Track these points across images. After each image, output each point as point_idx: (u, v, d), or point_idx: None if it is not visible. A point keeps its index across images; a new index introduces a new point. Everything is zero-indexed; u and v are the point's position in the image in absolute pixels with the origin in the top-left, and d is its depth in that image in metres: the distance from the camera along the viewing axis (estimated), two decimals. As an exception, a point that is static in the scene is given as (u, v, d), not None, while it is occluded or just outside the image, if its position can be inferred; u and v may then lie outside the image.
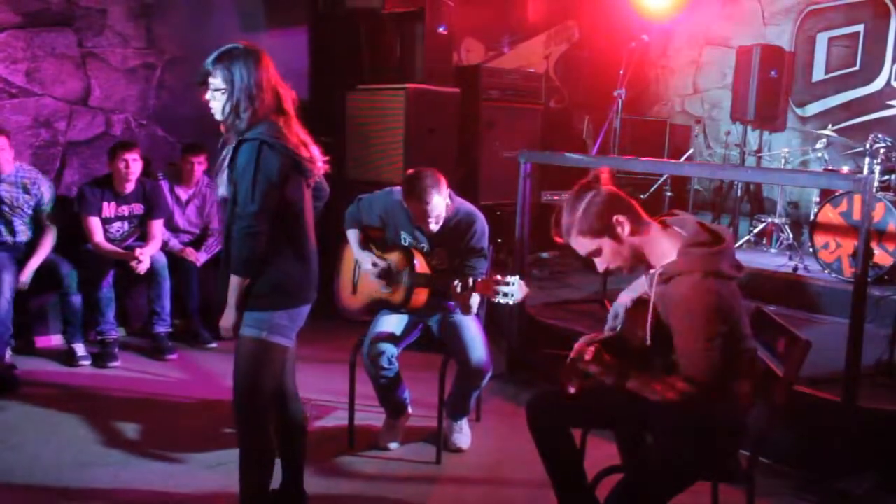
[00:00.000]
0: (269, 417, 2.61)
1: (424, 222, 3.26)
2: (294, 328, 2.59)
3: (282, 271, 2.49)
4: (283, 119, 2.48)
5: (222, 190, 2.51)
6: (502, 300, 2.98)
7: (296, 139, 2.47)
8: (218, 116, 2.48)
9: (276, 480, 2.76)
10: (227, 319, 2.51)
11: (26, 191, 4.46)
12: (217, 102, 2.46)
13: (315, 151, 2.55)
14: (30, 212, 4.50)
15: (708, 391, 2.07)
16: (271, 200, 2.40)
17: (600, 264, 2.28)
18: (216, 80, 2.43)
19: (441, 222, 3.29)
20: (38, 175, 4.53)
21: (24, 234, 4.51)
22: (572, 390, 2.25)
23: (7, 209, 4.43)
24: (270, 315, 2.49)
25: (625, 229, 2.21)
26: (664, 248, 2.22)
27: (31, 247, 4.48)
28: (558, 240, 2.30)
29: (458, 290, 3.07)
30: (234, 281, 2.46)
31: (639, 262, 2.28)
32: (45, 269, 4.43)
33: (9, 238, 4.47)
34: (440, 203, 3.22)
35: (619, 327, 2.39)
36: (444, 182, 3.24)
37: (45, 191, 4.52)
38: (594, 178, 2.27)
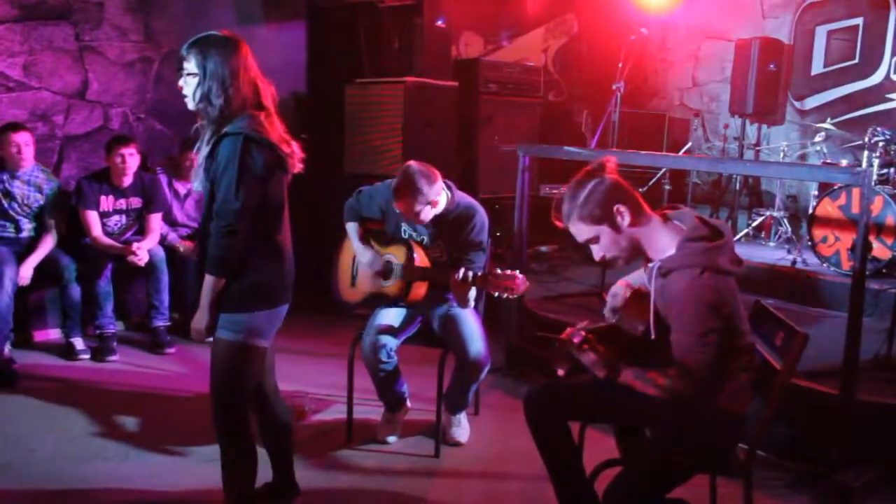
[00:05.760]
0: (249, 416, 2.55)
1: (412, 218, 3.24)
2: (273, 329, 2.52)
3: (261, 271, 2.41)
4: (264, 114, 2.40)
5: (197, 184, 2.42)
6: (503, 294, 2.98)
7: (277, 135, 2.39)
8: (190, 104, 2.39)
9: (269, 475, 2.77)
10: (200, 321, 2.41)
11: (39, 190, 4.50)
12: (189, 88, 2.37)
13: (295, 147, 2.47)
14: (37, 210, 4.52)
15: (702, 386, 2.08)
16: (254, 198, 2.32)
17: (597, 252, 2.27)
18: (189, 65, 2.35)
19: (429, 217, 3.25)
20: (50, 176, 4.57)
21: (27, 230, 4.53)
22: (561, 373, 2.26)
23: (17, 206, 4.45)
24: (250, 317, 2.41)
25: (625, 219, 2.20)
26: (664, 241, 2.22)
27: (33, 242, 4.49)
28: (558, 224, 2.28)
29: (458, 280, 3.06)
30: (209, 281, 2.37)
31: (636, 254, 2.28)
32: (44, 263, 4.43)
33: (12, 234, 4.48)
34: (418, 203, 3.15)
35: (617, 313, 2.38)
36: (436, 177, 3.19)
37: (52, 189, 4.55)
38: (599, 166, 2.25)
